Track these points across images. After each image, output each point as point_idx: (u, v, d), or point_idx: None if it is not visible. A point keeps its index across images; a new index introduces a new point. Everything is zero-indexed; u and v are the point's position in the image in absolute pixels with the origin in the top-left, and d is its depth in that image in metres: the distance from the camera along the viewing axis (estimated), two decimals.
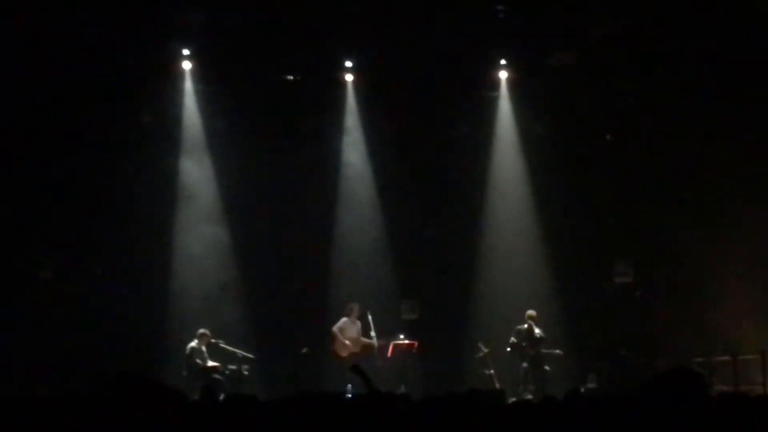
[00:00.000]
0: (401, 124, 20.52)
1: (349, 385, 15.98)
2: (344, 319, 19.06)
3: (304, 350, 19.19)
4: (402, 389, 17.16)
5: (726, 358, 18.04)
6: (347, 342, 18.89)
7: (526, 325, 18.89)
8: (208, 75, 19.85)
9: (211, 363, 18.26)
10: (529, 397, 17.69)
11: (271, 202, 20.02)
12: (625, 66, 19.50)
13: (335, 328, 19.01)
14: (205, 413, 5.39)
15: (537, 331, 18.85)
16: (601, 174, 20.41)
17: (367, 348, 18.92)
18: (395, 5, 18.32)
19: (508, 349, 18.78)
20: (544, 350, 18.85)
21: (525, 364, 18.72)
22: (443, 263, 20.56)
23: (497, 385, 18.00)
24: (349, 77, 20.49)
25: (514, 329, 18.93)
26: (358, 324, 19.07)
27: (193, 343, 18.27)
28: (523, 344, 18.78)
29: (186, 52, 19.58)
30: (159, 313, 19.26)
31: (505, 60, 20.47)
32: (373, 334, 18.91)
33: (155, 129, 19.73)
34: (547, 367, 18.75)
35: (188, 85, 19.88)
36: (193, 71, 19.86)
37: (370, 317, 18.97)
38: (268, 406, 5.96)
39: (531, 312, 18.99)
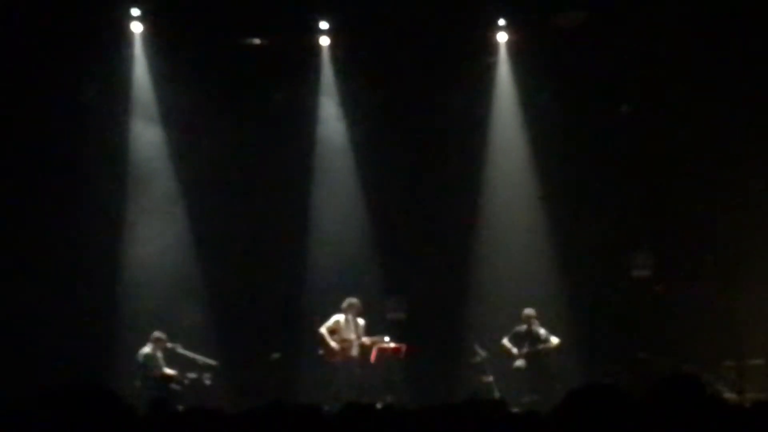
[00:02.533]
0: (385, 95, 20.50)
1: None
2: (337, 317, 18.80)
3: (275, 356, 19.17)
4: (388, 400, 17.17)
5: (760, 361, 18.19)
6: (336, 345, 18.68)
7: (524, 326, 18.96)
8: (162, 39, 19.75)
9: (167, 371, 18.24)
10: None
11: (236, 186, 20.07)
12: (642, 25, 19.43)
13: (323, 329, 18.77)
14: (155, 430, 5.35)
15: (542, 331, 18.90)
16: (615, 151, 20.39)
17: (363, 351, 18.71)
18: None
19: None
20: (540, 346, 18.86)
21: (519, 363, 18.76)
22: (434, 254, 20.55)
23: (497, 394, 18.02)
24: (324, 40, 20.45)
25: (510, 331, 18.99)
26: (359, 322, 18.86)
27: (147, 349, 18.26)
28: (524, 350, 18.81)
29: (135, 12, 19.51)
30: (107, 314, 19.25)
31: (504, 20, 20.45)
32: (353, 336, 18.86)
33: (100, 102, 19.67)
34: (552, 370, 18.83)
35: (138, 50, 19.82)
36: (144, 35, 19.79)
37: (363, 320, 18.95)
38: (233, 419, 5.93)
39: (529, 311, 19.04)
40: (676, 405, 4.75)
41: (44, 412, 3.77)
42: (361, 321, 18.90)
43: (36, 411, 3.78)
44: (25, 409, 3.92)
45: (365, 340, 18.75)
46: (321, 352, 18.81)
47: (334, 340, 18.73)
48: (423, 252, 20.58)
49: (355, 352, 18.72)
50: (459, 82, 20.84)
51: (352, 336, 18.79)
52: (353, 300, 18.90)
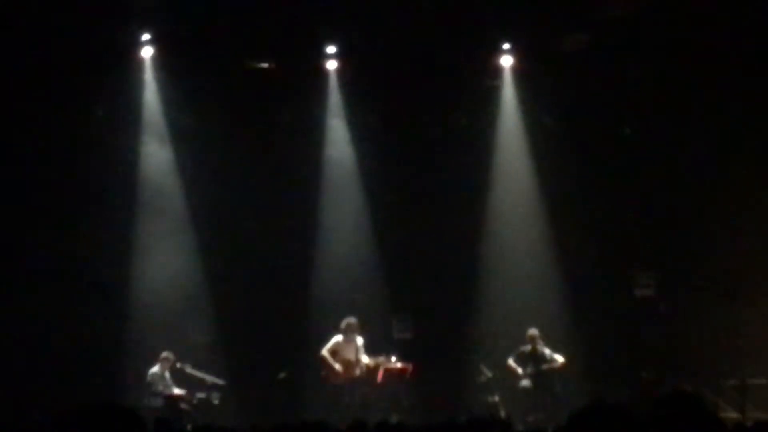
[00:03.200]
0: (391, 117, 20.63)
1: None
2: (337, 339, 18.78)
3: (282, 374, 19.18)
4: (394, 418, 17.19)
5: (763, 381, 18.19)
6: (338, 367, 18.65)
7: (529, 346, 18.99)
8: (171, 62, 19.88)
9: (176, 391, 18.26)
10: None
11: (243, 206, 20.10)
12: (644, 50, 19.54)
13: (325, 351, 18.75)
14: None
15: (546, 351, 18.92)
16: (618, 172, 20.44)
17: (370, 371, 18.67)
18: None
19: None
20: (544, 366, 18.87)
21: (525, 383, 18.77)
22: (440, 274, 20.59)
23: (503, 414, 18.02)
24: (331, 64, 20.54)
25: (515, 351, 19.01)
26: (358, 341, 18.81)
27: (156, 369, 18.31)
28: (528, 370, 18.83)
29: (146, 36, 19.61)
30: (115, 333, 19.30)
31: (509, 44, 20.52)
32: (363, 357, 18.84)
33: (112, 124, 19.82)
34: (557, 389, 18.84)
35: (149, 74, 19.91)
36: (154, 58, 19.88)
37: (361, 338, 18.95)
38: None
39: (533, 331, 19.05)
40: (676, 423, 4.79)
41: (64, 429, 3.84)
42: (359, 340, 18.83)
43: (56, 429, 3.86)
44: (45, 429, 4.01)
45: (371, 361, 18.72)
46: (324, 374, 18.80)
47: (336, 361, 18.72)
48: (429, 272, 20.61)
49: (357, 372, 18.68)
50: (464, 105, 21.05)
51: (354, 356, 18.74)
52: (351, 320, 18.84)
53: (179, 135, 20.12)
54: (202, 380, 18.47)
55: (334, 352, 18.72)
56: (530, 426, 17.92)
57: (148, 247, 19.78)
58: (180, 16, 18.94)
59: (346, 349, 18.74)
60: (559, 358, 18.88)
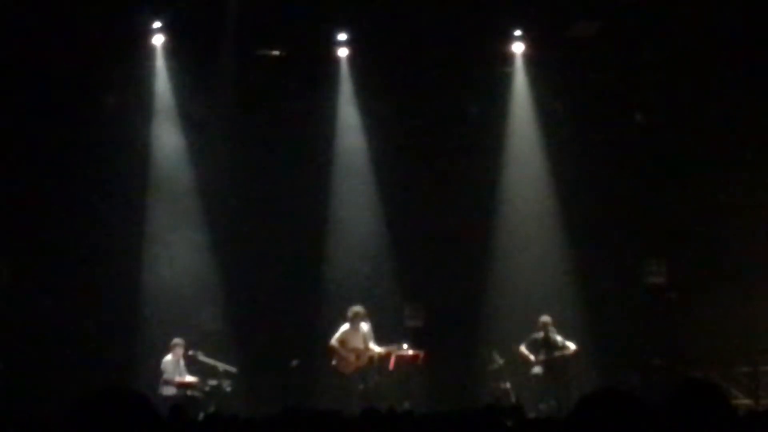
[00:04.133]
0: (402, 105, 20.58)
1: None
2: (345, 328, 18.67)
3: (294, 362, 19.08)
4: (406, 406, 17.16)
5: None
6: (349, 356, 18.58)
7: (541, 333, 18.92)
8: (182, 50, 19.85)
9: (188, 378, 18.27)
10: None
11: (255, 194, 20.09)
12: (655, 36, 19.50)
13: (334, 341, 18.62)
14: None
15: (558, 338, 18.86)
16: (630, 159, 20.43)
17: (381, 358, 18.57)
18: None
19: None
20: (556, 353, 18.82)
21: (536, 369, 18.75)
22: (451, 262, 20.55)
23: (514, 400, 17.99)
24: (342, 52, 20.53)
25: (527, 338, 18.97)
26: (365, 329, 18.68)
27: (168, 357, 18.32)
28: (540, 357, 18.78)
29: (157, 24, 19.59)
30: (128, 322, 19.33)
31: (520, 31, 20.52)
32: (371, 344, 18.81)
33: (122, 112, 19.76)
34: (569, 376, 18.83)
35: (160, 62, 19.91)
36: (165, 46, 19.86)
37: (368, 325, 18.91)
38: (252, 425, 5.93)
39: (545, 318, 18.96)
40: (693, 412, 4.70)
41: (79, 416, 3.77)
42: (365, 327, 18.69)
43: (72, 415, 3.78)
44: (61, 415, 3.93)
45: (383, 350, 18.66)
46: (334, 363, 18.72)
47: (346, 350, 18.65)
48: (440, 260, 20.58)
49: (366, 360, 18.60)
50: (476, 92, 21.00)
51: (360, 344, 18.63)
52: (357, 308, 18.70)
53: (190, 123, 20.11)
54: (214, 368, 18.44)
55: (342, 342, 18.62)
56: (542, 413, 17.88)
57: (161, 236, 19.77)
58: (191, 3, 18.90)
59: (354, 337, 18.62)
60: (572, 345, 18.82)
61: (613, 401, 4.28)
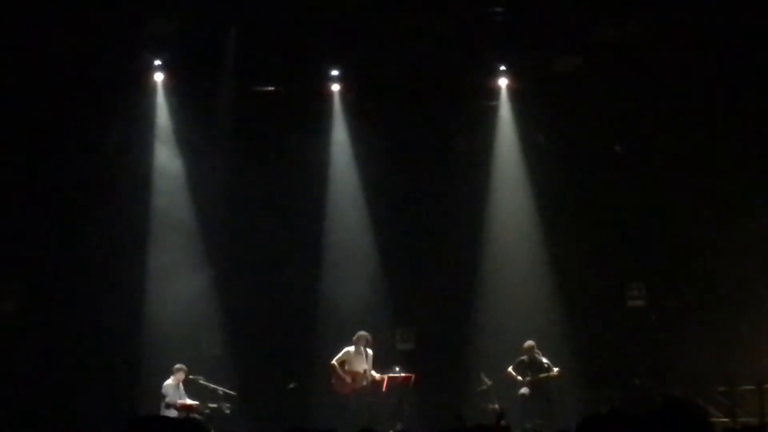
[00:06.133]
0: (393, 138, 20.82)
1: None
2: (348, 349, 18.79)
3: (292, 385, 19.31)
4: (399, 427, 17.32)
5: (751, 387, 18.24)
6: (346, 378, 18.74)
7: (526, 357, 19.14)
8: (182, 87, 20.08)
9: (189, 401, 18.43)
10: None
11: (252, 224, 20.24)
12: (634, 71, 19.72)
13: (335, 361, 18.80)
14: None
15: (544, 360, 19.06)
16: (610, 188, 20.69)
17: (376, 382, 18.68)
18: (385, 8, 18.62)
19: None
20: (542, 375, 19.02)
21: (523, 390, 18.95)
22: (441, 287, 20.80)
23: (503, 422, 18.12)
24: (335, 87, 20.82)
25: (514, 360, 19.19)
26: (368, 354, 18.83)
27: (170, 381, 18.43)
28: (527, 377, 19.02)
29: (157, 62, 19.82)
30: (131, 347, 19.49)
31: (505, 66, 20.78)
32: (371, 370, 18.91)
33: (125, 146, 20.00)
34: (553, 396, 19.05)
35: (160, 98, 20.13)
36: (165, 83, 20.11)
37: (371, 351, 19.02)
38: None
39: (530, 343, 19.16)
40: (674, 427, 4.92)
41: None
42: (369, 352, 18.85)
43: None
44: None
45: (377, 376, 18.84)
46: (332, 383, 18.83)
47: (345, 371, 18.81)
48: (430, 286, 20.82)
49: (365, 383, 18.73)
50: (463, 124, 21.27)
51: (363, 367, 18.76)
52: (363, 333, 18.83)
53: (189, 156, 20.27)
54: (214, 391, 18.55)
55: (342, 363, 18.78)
56: (528, 431, 18.10)
57: (162, 265, 19.86)
58: (190, 41, 19.00)
59: (356, 360, 18.77)
60: (555, 369, 19.01)
61: (614, 422, 4.56)
